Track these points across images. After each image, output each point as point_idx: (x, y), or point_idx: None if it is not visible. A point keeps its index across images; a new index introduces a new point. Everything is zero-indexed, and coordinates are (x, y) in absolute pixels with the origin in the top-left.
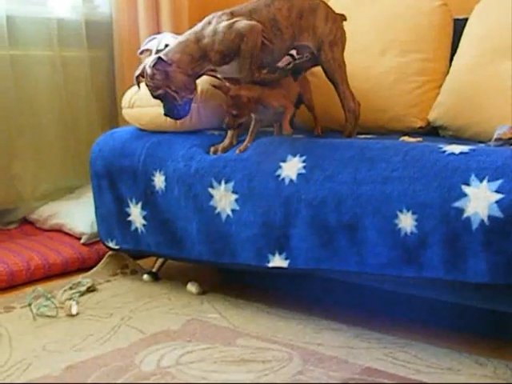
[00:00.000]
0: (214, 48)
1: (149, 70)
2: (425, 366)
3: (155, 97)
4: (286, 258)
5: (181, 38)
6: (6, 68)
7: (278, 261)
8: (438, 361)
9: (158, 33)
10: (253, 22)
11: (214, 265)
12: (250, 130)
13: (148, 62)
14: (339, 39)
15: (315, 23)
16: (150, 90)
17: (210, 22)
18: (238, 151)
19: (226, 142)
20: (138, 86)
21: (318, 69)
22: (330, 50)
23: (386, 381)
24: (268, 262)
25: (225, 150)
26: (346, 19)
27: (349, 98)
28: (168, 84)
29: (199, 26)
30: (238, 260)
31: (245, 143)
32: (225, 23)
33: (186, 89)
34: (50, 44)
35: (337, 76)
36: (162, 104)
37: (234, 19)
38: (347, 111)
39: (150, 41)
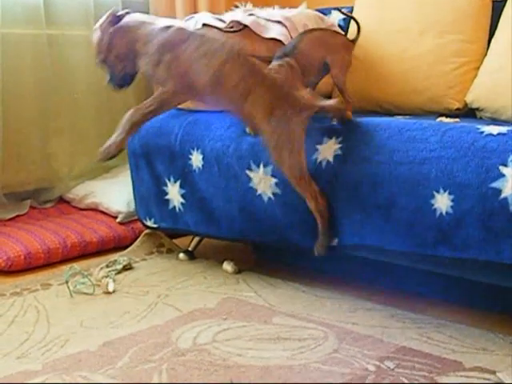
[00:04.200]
0: None
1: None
2: (459, 346)
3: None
4: (335, 236)
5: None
6: (42, 48)
7: None
8: (472, 341)
9: (195, 12)
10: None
11: (257, 243)
12: None
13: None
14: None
15: None
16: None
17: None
18: None
19: None
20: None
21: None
22: None
23: (420, 360)
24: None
25: None
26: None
27: None
28: (110, 48)
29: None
30: (285, 240)
31: None
32: None
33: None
34: (86, 24)
35: None
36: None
37: None
38: None
39: (188, 20)
